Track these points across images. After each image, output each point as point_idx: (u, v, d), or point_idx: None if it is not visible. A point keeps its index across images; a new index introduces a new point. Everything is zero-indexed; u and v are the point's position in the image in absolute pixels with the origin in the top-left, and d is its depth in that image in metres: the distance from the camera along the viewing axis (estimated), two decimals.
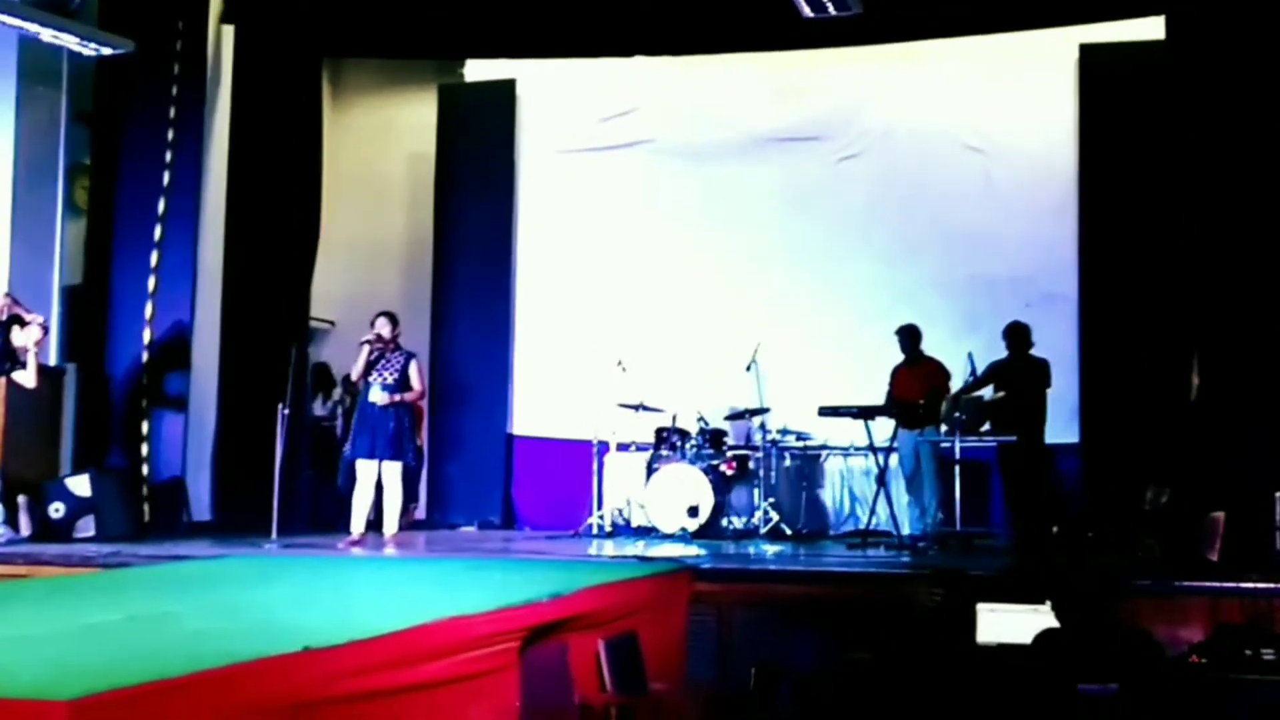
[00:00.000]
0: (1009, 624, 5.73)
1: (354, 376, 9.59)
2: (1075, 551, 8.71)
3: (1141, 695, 4.44)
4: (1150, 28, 10.09)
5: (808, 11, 8.19)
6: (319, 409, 11.85)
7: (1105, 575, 4.80)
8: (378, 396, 9.21)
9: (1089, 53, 10.61)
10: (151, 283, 10.19)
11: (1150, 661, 4.67)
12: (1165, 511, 8.26)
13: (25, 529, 9.00)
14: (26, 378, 8.89)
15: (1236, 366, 8.98)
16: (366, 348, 9.29)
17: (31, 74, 9.88)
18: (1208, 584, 6.80)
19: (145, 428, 10.13)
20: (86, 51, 9.51)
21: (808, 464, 11.08)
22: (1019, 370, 9.58)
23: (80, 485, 9.23)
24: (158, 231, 10.25)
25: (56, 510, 9.10)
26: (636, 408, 10.66)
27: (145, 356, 10.18)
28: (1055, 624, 4.97)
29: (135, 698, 2.46)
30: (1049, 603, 5.05)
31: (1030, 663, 4.77)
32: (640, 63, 11.71)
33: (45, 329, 9.05)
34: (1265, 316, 8.88)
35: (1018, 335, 9.66)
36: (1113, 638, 4.72)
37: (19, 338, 8.89)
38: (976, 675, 5.30)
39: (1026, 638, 4.99)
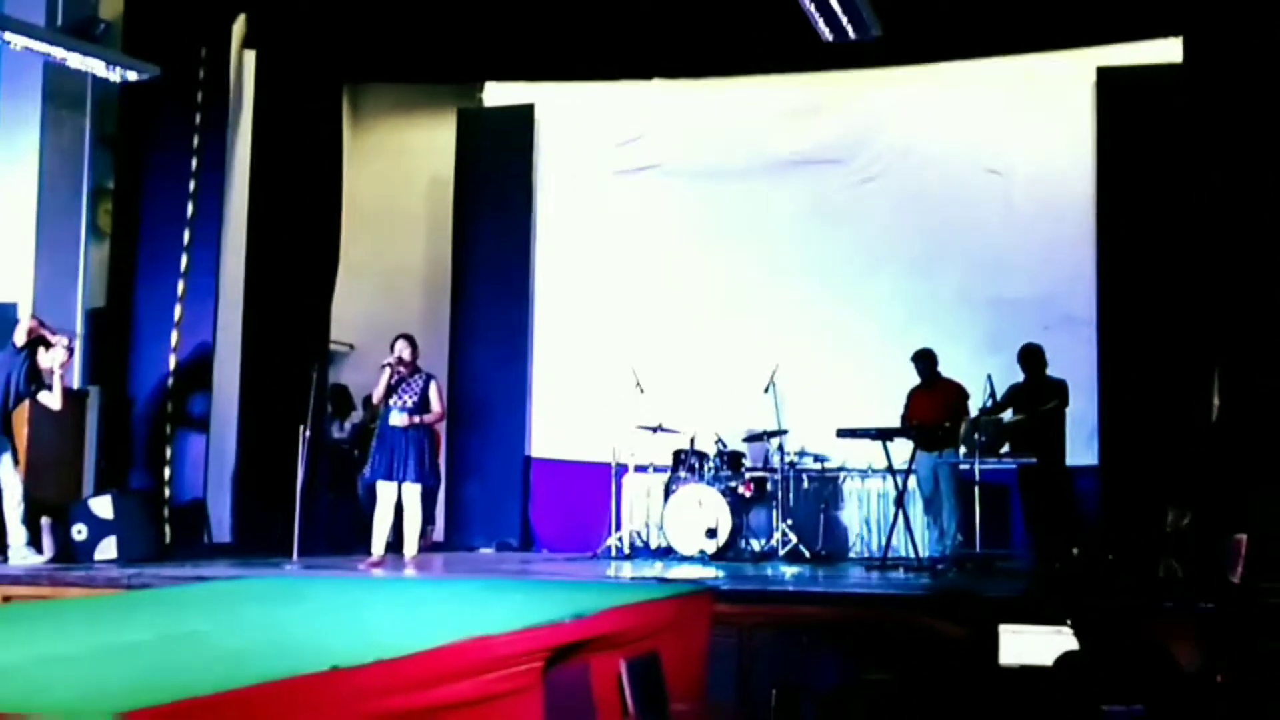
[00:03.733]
0: (1031, 645, 5.72)
1: (375, 399, 9.64)
2: (1097, 573, 8.69)
3: (1166, 715, 4.44)
4: (1168, 50, 10.13)
5: (828, 35, 8.21)
6: (338, 431, 11.89)
7: (1128, 595, 4.80)
8: (398, 419, 9.25)
9: (1106, 75, 10.64)
10: (176, 307, 10.28)
11: (1174, 681, 4.66)
12: (1187, 533, 8.24)
13: (47, 551, 9.04)
14: (52, 399, 8.95)
15: (1257, 387, 8.97)
16: (388, 371, 9.33)
17: (57, 98, 9.99)
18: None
19: (167, 449, 10.19)
20: (112, 77, 9.60)
21: (826, 486, 11.07)
22: (1036, 392, 9.58)
23: (102, 507, 9.26)
24: (181, 255, 10.34)
25: (79, 532, 9.14)
26: (654, 429, 10.68)
27: (168, 379, 10.26)
28: (1076, 645, 4.97)
29: (175, 713, 2.49)
30: (1070, 624, 5.05)
31: (1053, 684, 4.76)
32: (659, 86, 11.78)
33: (70, 350, 9.11)
34: None
35: (1032, 357, 9.67)
36: (1135, 658, 4.72)
37: (45, 359, 8.95)
38: (999, 697, 5.30)
39: (1049, 659, 4.99)
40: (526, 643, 4.14)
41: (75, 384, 9.89)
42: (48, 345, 8.97)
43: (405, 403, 9.29)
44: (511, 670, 4.01)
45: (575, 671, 4.54)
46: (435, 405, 9.46)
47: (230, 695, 2.72)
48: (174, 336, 10.26)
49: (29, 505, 8.87)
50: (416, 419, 9.29)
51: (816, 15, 7.87)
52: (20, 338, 8.95)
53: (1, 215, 9.86)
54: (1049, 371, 9.66)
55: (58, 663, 3.33)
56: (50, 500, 9.24)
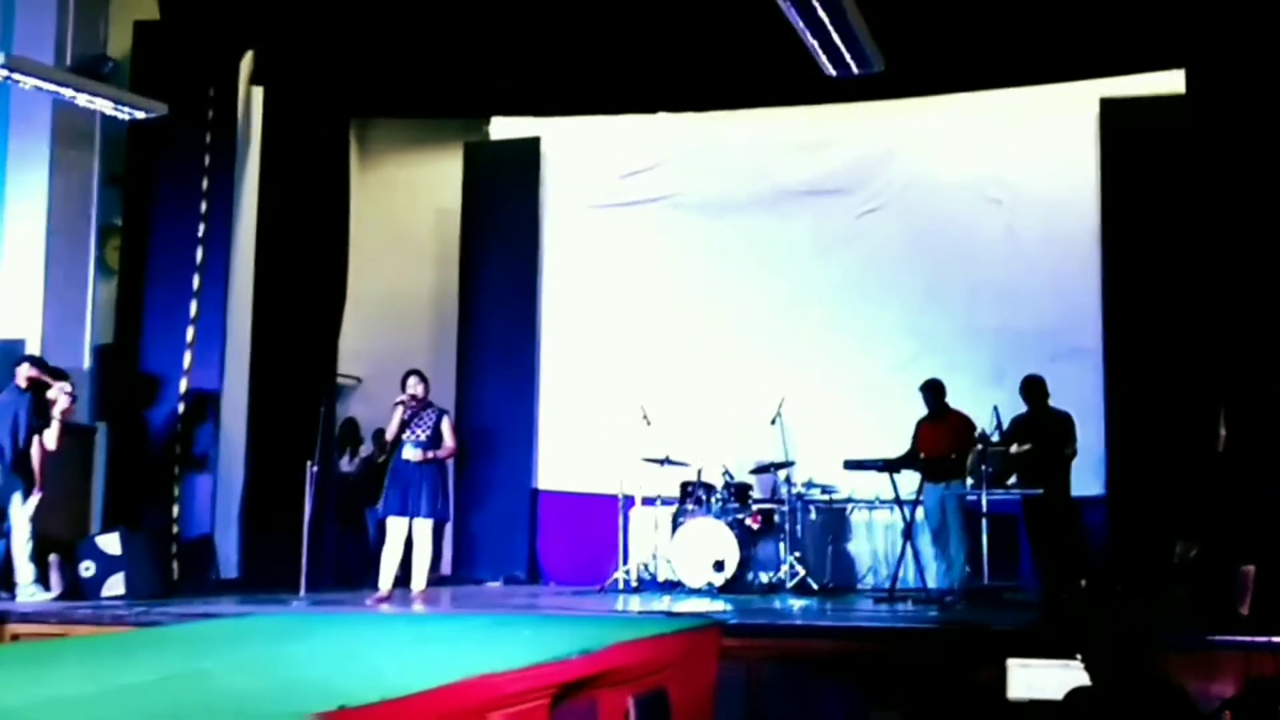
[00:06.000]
0: (1040, 679, 5.70)
1: (389, 436, 9.64)
2: (1106, 605, 8.66)
3: None
4: (1171, 81, 10.16)
5: (830, 70, 8.26)
6: (346, 465, 11.90)
7: (1138, 629, 4.80)
8: (411, 454, 9.26)
9: (1109, 106, 10.68)
10: (183, 343, 10.32)
11: (1184, 716, 4.64)
12: (1195, 565, 8.21)
13: (56, 588, 9.04)
14: (49, 439, 8.95)
15: (1264, 417, 8.94)
16: (401, 408, 9.35)
17: (65, 137, 10.06)
18: (1239, 638, 6.75)
19: (175, 486, 10.21)
20: (120, 115, 9.68)
21: (833, 517, 11.06)
22: (1039, 423, 9.56)
23: (110, 543, 9.28)
24: (189, 292, 10.39)
25: (87, 569, 9.14)
26: (661, 462, 10.68)
27: (175, 415, 10.28)
28: (1086, 679, 4.94)
29: None
30: (1081, 658, 5.02)
31: (1062, 719, 4.74)
32: (664, 119, 11.84)
33: (73, 396, 9.10)
34: None
35: (1034, 389, 9.66)
36: (1145, 693, 4.70)
37: (50, 396, 8.98)
38: None
39: (1058, 693, 4.96)
40: (533, 680, 4.14)
41: (83, 421, 9.93)
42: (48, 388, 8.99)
43: (418, 437, 9.31)
44: (518, 708, 4.01)
45: (582, 708, 4.53)
46: (448, 440, 9.48)
47: None
48: (181, 372, 10.28)
49: (37, 542, 8.87)
50: (430, 454, 9.30)
51: (819, 50, 7.91)
52: (21, 382, 8.98)
53: (11, 252, 9.93)
54: (1051, 402, 9.65)
55: (63, 705, 3.33)
56: (58, 537, 9.25)
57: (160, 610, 8.15)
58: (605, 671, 4.70)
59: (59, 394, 8.98)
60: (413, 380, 9.44)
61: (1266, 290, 9.22)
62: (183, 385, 10.33)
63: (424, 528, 9.29)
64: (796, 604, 9.37)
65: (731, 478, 10.69)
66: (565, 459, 11.94)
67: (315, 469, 9.61)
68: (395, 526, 9.30)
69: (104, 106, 9.54)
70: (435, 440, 9.36)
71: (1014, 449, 9.50)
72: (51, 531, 9.16)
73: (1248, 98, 9.42)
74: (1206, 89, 9.77)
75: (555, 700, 4.23)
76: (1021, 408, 9.72)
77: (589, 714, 4.58)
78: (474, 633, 5.95)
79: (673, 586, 10.37)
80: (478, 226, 12.35)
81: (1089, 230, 10.72)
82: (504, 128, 12.57)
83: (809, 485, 10.85)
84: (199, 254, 10.49)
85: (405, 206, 13.03)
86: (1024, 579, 10.06)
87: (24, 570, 8.80)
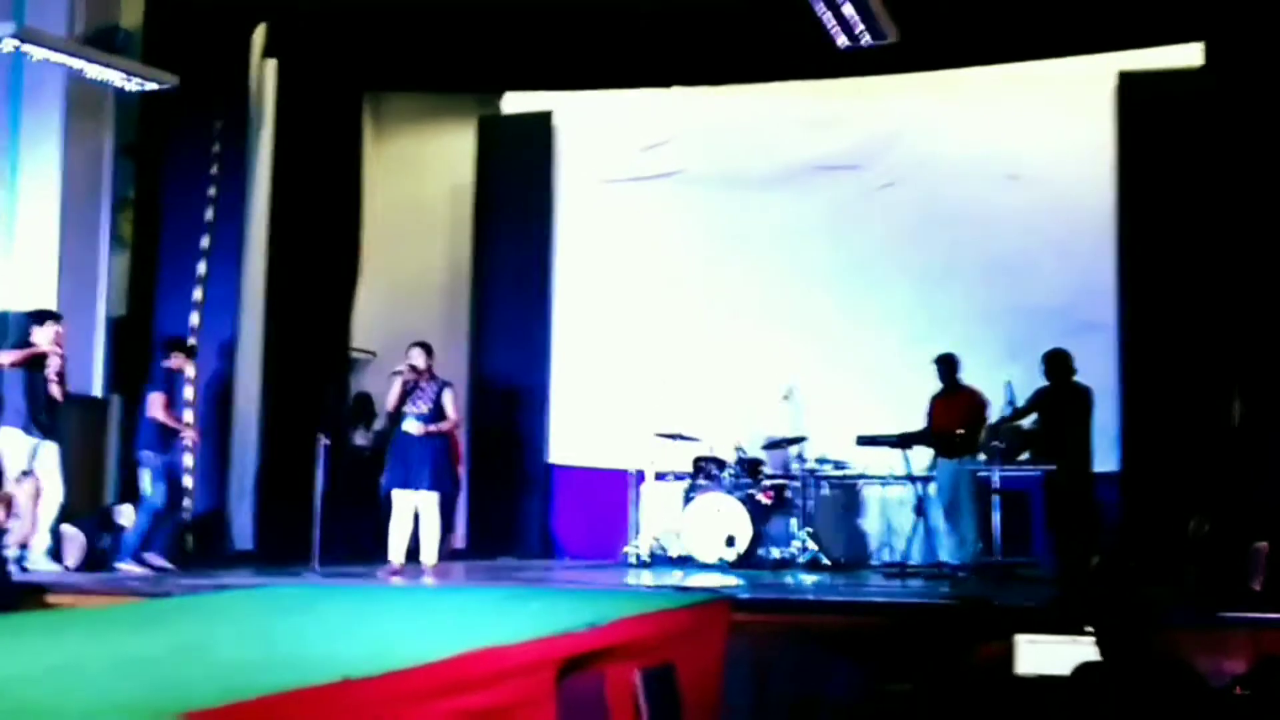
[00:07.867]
0: (1048, 655, 5.68)
1: (388, 408, 9.62)
2: (1118, 582, 8.62)
3: None
4: (1189, 54, 10.06)
5: (843, 41, 8.21)
6: (360, 439, 11.90)
7: (1149, 607, 4.76)
8: (412, 427, 9.24)
9: (1127, 80, 10.59)
10: (195, 315, 10.32)
11: (1193, 694, 4.62)
12: (1208, 541, 8.17)
13: (71, 560, 9.07)
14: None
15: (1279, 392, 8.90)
16: (399, 380, 9.32)
17: (77, 109, 10.03)
18: (1251, 615, 6.73)
19: (189, 457, 10.22)
20: (131, 87, 9.65)
21: (846, 493, 11.04)
22: (1062, 398, 9.47)
23: (125, 516, 9.31)
24: (202, 264, 10.39)
25: (101, 541, 9.18)
26: (674, 437, 10.67)
27: (189, 387, 10.28)
28: (1095, 655, 4.92)
29: None
30: (1092, 634, 5.00)
31: (1070, 695, 4.72)
32: (677, 93, 11.78)
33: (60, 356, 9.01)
34: None
35: (1058, 362, 9.55)
36: (1155, 669, 4.67)
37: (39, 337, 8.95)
38: (1015, 707, 5.27)
39: (1066, 669, 4.94)
40: (539, 652, 4.14)
41: (97, 392, 9.96)
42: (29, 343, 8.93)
43: (420, 410, 9.29)
44: (525, 680, 4.01)
45: (589, 681, 4.53)
46: (450, 413, 9.44)
47: (240, 707, 2.72)
48: (194, 345, 10.28)
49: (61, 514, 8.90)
50: (431, 427, 9.27)
51: (831, 21, 7.86)
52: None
53: (25, 225, 9.91)
54: (1076, 378, 9.54)
55: (70, 674, 3.35)
56: (72, 510, 9.27)
57: (173, 582, 8.19)
58: (612, 645, 4.70)
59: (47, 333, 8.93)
60: (415, 351, 9.38)
61: None
62: (196, 358, 10.30)
63: (429, 501, 9.27)
64: (808, 579, 9.37)
65: (744, 453, 10.68)
66: (578, 434, 11.94)
67: (326, 442, 9.61)
68: (400, 499, 9.30)
69: (116, 78, 9.50)
70: (437, 413, 9.32)
71: (1028, 423, 9.45)
72: (66, 503, 9.18)
73: (1267, 70, 9.33)
74: (1225, 62, 9.68)
75: (562, 673, 4.24)
76: (1035, 385, 9.64)
77: (596, 687, 4.58)
78: (481, 605, 5.96)
79: (684, 561, 10.38)
80: (491, 201, 12.33)
81: (1105, 206, 10.64)
82: (517, 102, 12.53)
83: (821, 461, 10.84)
84: (211, 226, 10.48)
85: (419, 180, 12.99)
86: (1037, 554, 10.04)
87: (41, 539, 8.82)
